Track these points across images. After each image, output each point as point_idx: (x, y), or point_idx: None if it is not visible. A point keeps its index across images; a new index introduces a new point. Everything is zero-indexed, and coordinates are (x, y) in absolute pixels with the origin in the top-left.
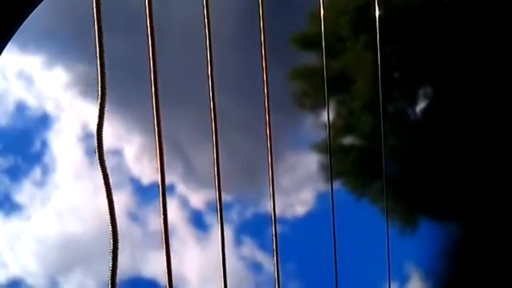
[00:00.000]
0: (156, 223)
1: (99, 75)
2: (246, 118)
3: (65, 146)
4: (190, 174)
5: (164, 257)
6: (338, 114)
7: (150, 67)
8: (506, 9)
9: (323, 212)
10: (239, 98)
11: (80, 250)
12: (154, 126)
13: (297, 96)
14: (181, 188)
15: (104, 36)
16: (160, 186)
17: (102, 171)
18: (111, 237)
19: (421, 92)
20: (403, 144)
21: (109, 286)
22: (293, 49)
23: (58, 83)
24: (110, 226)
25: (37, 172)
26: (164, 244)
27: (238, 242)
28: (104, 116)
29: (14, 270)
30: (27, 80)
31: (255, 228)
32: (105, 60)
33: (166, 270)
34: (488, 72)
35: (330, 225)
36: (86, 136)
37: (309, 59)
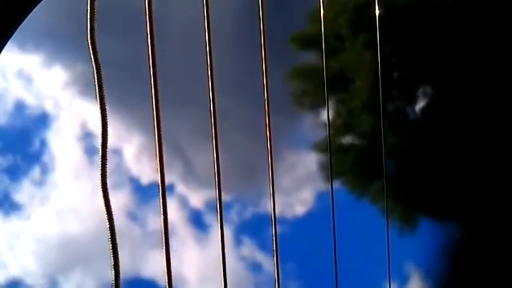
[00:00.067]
0: (155, 223)
1: (95, 77)
2: (246, 118)
3: (64, 145)
4: (190, 174)
5: (164, 257)
6: (337, 114)
7: (150, 67)
8: (506, 9)
9: (323, 212)
10: (239, 98)
11: (79, 249)
12: (154, 126)
13: (297, 96)
14: (180, 188)
15: (96, 38)
16: (160, 186)
17: (101, 171)
18: (109, 236)
19: (421, 91)
20: (403, 144)
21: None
22: (292, 49)
23: (57, 82)
24: (108, 226)
25: (36, 172)
26: (164, 244)
27: (237, 242)
28: (107, 118)
29: (13, 270)
30: (26, 79)
31: (255, 228)
32: (100, 62)
33: (165, 270)
34: (488, 72)
35: (330, 225)
36: (86, 135)
37: (308, 58)
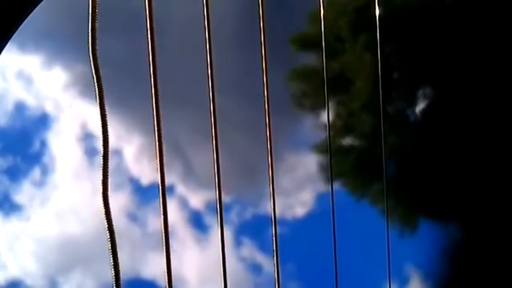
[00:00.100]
0: (155, 223)
1: (95, 78)
2: (246, 118)
3: (64, 146)
4: (190, 175)
5: (164, 258)
6: (337, 115)
7: (150, 67)
8: (506, 9)
9: (323, 213)
10: (239, 98)
11: (79, 250)
12: (154, 126)
13: (297, 97)
14: (180, 188)
15: (97, 39)
16: (160, 187)
17: (103, 172)
18: (108, 237)
19: (420, 92)
20: (403, 145)
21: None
22: (292, 50)
23: (58, 83)
24: (107, 227)
25: (36, 172)
26: (164, 245)
27: (237, 243)
28: (107, 119)
29: (13, 270)
30: (26, 80)
31: (255, 229)
32: (99, 65)
33: (165, 270)
34: (488, 72)
35: (330, 226)
36: (86, 136)
37: (308, 59)
